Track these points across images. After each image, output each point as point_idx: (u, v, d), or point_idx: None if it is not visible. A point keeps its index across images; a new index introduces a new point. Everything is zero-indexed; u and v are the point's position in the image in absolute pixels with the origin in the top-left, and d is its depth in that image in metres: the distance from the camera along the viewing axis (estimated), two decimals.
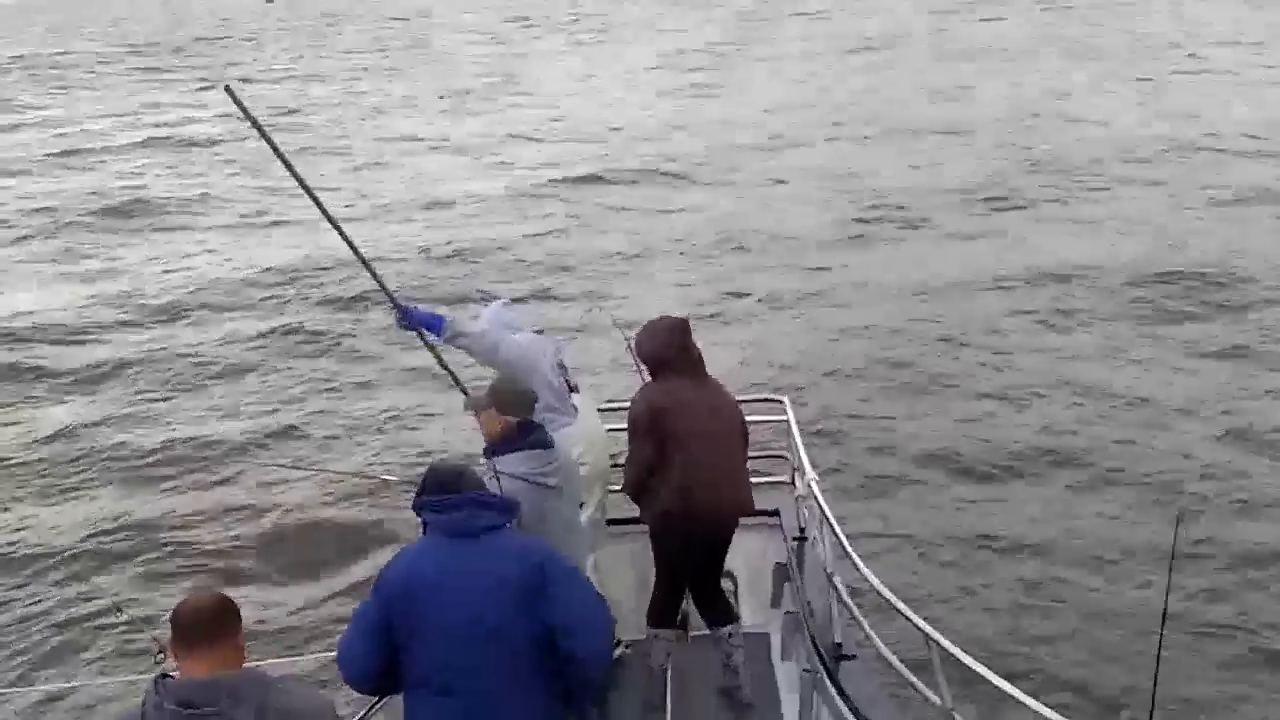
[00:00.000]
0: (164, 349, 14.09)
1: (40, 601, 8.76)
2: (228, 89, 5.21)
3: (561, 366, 5.78)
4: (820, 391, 11.98)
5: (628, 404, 5.52)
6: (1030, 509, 9.64)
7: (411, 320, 5.45)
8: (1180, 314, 13.51)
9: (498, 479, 4.48)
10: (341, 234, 5.28)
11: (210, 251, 18.38)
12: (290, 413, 12.17)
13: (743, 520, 5.98)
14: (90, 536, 9.75)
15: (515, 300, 14.15)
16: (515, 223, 19.31)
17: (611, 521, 6.12)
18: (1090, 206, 18.51)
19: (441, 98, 32.36)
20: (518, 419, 4.74)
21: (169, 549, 9.52)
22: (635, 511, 5.72)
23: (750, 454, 5.75)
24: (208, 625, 3.15)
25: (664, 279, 15.72)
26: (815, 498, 5.54)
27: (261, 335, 14.40)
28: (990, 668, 4.05)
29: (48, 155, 26.48)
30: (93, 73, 39.69)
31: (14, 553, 9.52)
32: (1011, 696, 3.87)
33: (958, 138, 24.04)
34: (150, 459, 11.14)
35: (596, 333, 11.97)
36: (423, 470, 4.02)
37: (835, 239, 17.41)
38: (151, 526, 9.90)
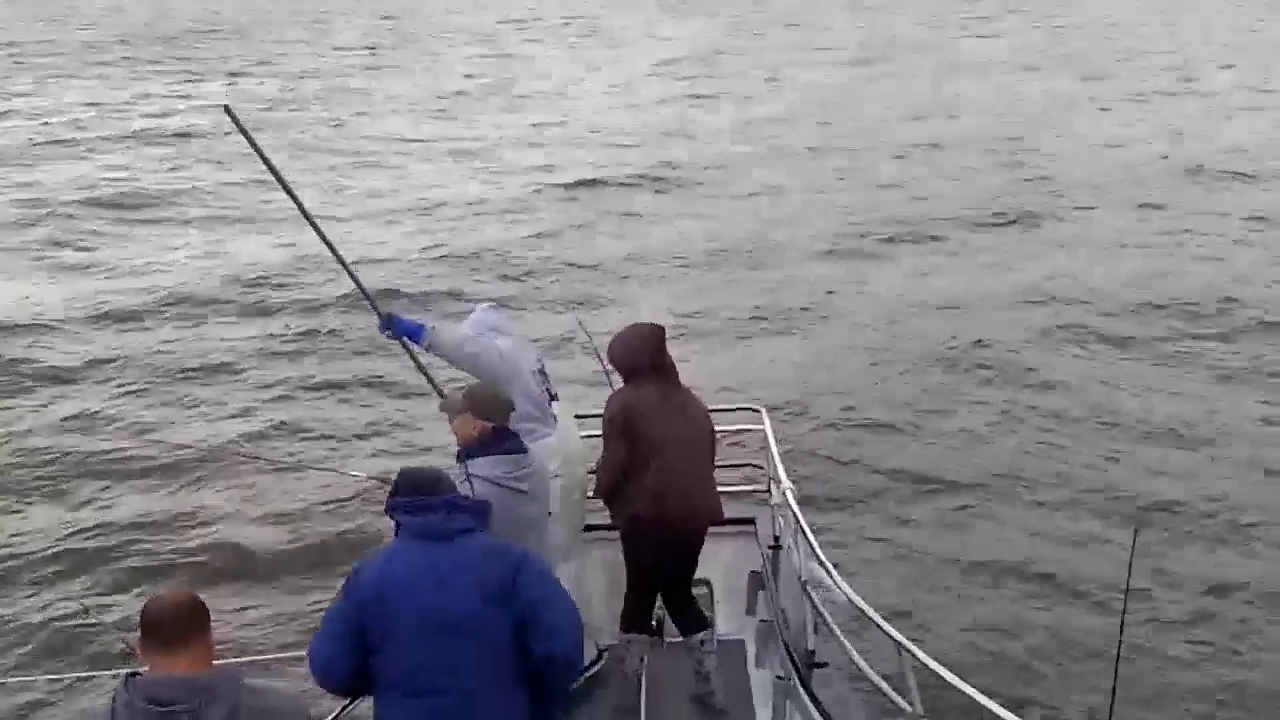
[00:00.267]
0: (143, 346, 13.96)
1: (8, 603, 8.64)
2: (227, 109, 5.31)
3: (542, 374, 5.80)
4: (798, 402, 12.00)
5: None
6: (1000, 522, 9.74)
7: (394, 329, 5.55)
8: (1161, 337, 13.54)
9: (470, 482, 4.49)
10: (332, 250, 5.47)
11: (194, 247, 18.16)
12: (268, 412, 12.11)
13: (719, 528, 6.03)
14: (60, 538, 9.65)
15: (499, 302, 14.16)
16: (502, 228, 19.16)
17: (587, 528, 6.13)
18: (1074, 226, 18.51)
19: (436, 98, 32.12)
20: (493, 424, 4.75)
21: (140, 548, 9.45)
22: (606, 517, 5.75)
23: (727, 463, 5.79)
24: (177, 624, 3.14)
25: (648, 288, 15.69)
26: (790, 507, 5.57)
27: (242, 335, 14.29)
28: (960, 676, 4.08)
29: (32, 145, 26.21)
30: (81, 62, 39.37)
31: None
32: (981, 705, 3.91)
33: (948, 153, 24.00)
34: (122, 458, 11.03)
35: (575, 341, 12.04)
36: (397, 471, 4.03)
37: (821, 252, 17.37)
38: (122, 526, 9.82)
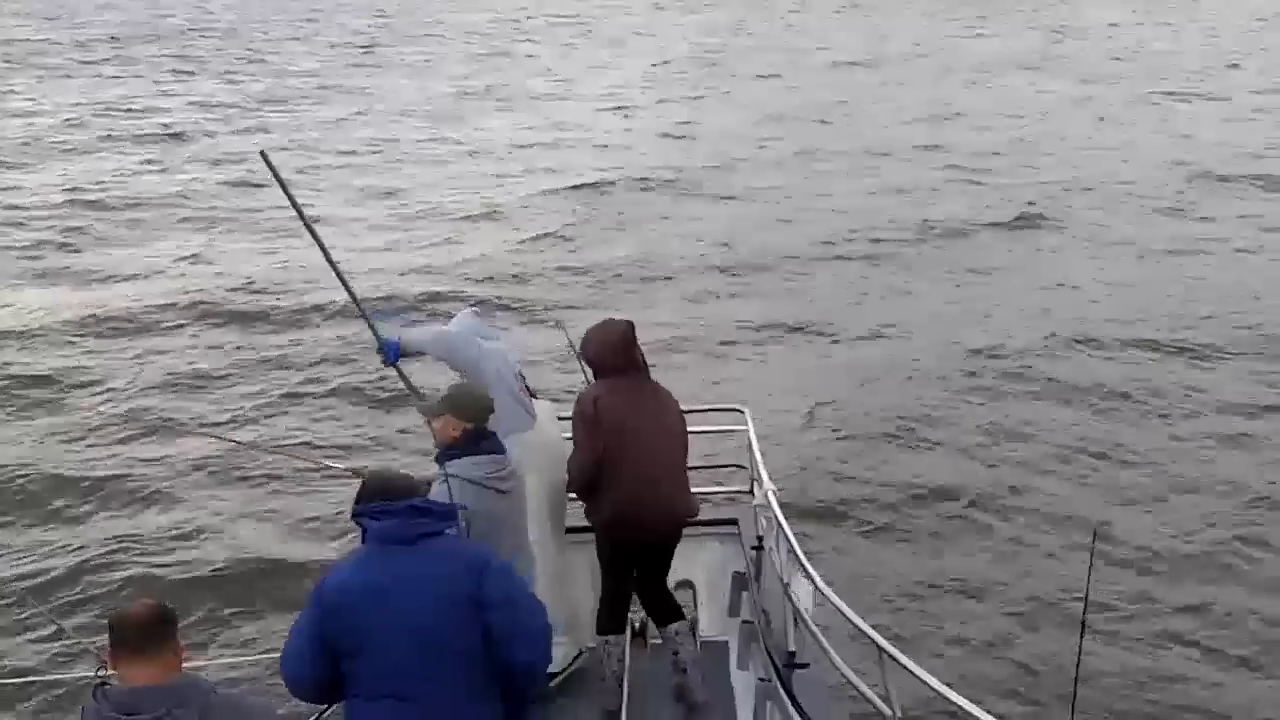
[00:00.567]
0: (134, 348, 13.86)
1: None
2: (263, 155, 5.52)
3: (520, 376, 5.81)
4: (781, 403, 11.97)
5: None
6: (981, 527, 9.77)
7: (388, 355, 5.76)
8: (1158, 351, 13.41)
9: (448, 483, 4.49)
10: (348, 289, 5.74)
11: (186, 251, 17.89)
12: (253, 412, 12.06)
13: (702, 529, 6.04)
14: (34, 544, 9.59)
15: (481, 304, 14.13)
16: (495, 232, 18.89)
17: (569, 529, 6.12)
18: (1081, 233, 18.23)
19: (428, 99, 31.85)
20: (473, 425, 4.74)
21: (115, 554, 9.41)
22: (585, 514, 5.75)
23: (710, 463, 5.78)
24: (145, 632, 3.16)
25: (639, 293, 15.50)
26: (772, 508, 5.57)
27: (232, 339, 14.15)
28: (939, 676, 4.08)
29: (19, 145, 25.96)
30: (70, 60, 39.20)
31: None
32: (959, 706, 3.91)
33: (952, 156, 23.63)
34: (99, 462, 11.00)
35: (560, 346, 11.98)
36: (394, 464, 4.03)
37: (815, 257, 17.18)
38: (96, 530, 9.80)
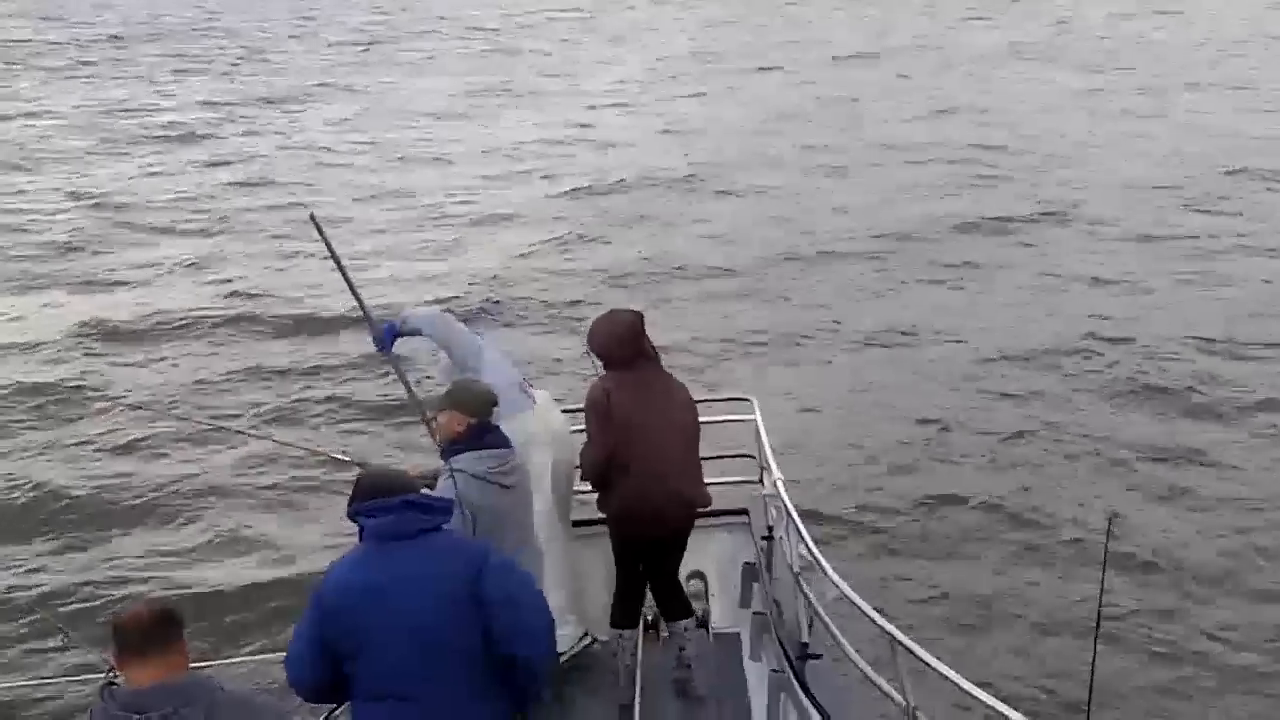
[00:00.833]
0: (134, 357, 13.71)
1: None
2: (312, 217, 5.59)
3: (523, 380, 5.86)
4: (789, 403, 11.88)
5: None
6: (993, 516, 9.71)
7: (384, 345, 5.81)
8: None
9: (453, 479, 4.46)
10: (352, 289, 5.68)
11: (188, 254, 17.67)
12: (256, 415, 12.03)
13: (712, 520, 6.03)
14: (36, 541, 9.63)
15: (496, 303, 13.99)
16: (501, 234, 18.66)
17: (579, 523, 6.11)
18: (1098, 232, 17.88)
19: (431, 99, 31.50)
20: (476, 420, 4.71)
21: (118, 555, 9.44)
22: (597, 504, 5.74)
23: (718, 453, 5.77)
24: (150, 632, 3.16)
25: (646, 292, 15.17)
26: (781, 498, 5.54)
27: (229, 341, 14.07)
28: (953, 668, 4.05)
29: (20, 148, 25.83)
30: (70, 60, 39.13)
31: None
32: (973, 696, 3.88)
33: (964, 151, 23.17)
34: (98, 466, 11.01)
35: (561, 349, 11.94)
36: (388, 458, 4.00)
37: (822, 256, 16.90)
38: (97, 531, 9.81)
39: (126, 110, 30.01)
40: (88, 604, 8.60)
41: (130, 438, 11.31)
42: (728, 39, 42.68)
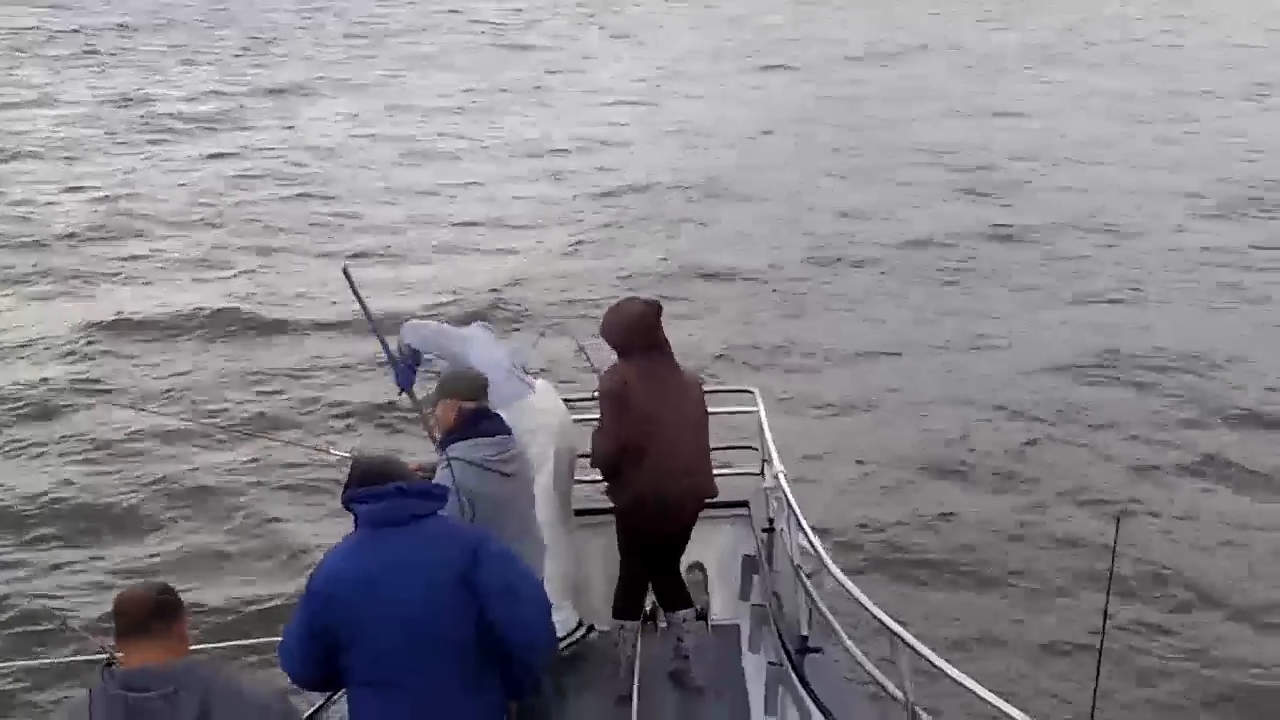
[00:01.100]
0: (135, 358, 13.56)
1: None
2: (345, 271, 5.68)
3: (520, 366, 5.85)
4: (791, 385, 11.90)
5: (590, 396, 5.55)
6: (996, 509, 9.70)
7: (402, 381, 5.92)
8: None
9: (450, 467, 4.45)
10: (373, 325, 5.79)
11: (183, 251, 17.39)
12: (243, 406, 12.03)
13: (713, 511, 6.02)
14: (33, 529, 9.64)
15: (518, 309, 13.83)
16: (509, 236, 18.34)
17: (580, 512, 6.10)
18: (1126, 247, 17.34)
19: (439, 96, 31.16)
20: (473, 405, 4.69)
21: (112, 538, 9.46)
22: (603, 502, 5.74)
23: (720, 445, 5.76)
24: (149, 614, 3.16)
25: (651, 290, 14.86)
26: (783, 490, 5.54)
27: (234, 344, 13.90)
28: (953, 663, 4.04)
29: (21, 140, 25.55)
30: (78, 50, 39.02)
31: None
32: (973, 692, 3.86)
33: (969, 162, 22.54)
34: (100, 442, 11.03)
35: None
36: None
37: (826, 260, 16.73)
38: (95, 516, 9.82)
39: (128, 100, 29.77)
40: (86, 596, 8.58)
41: (127, 435, 11.26)
42: (734, 36, 42.48)
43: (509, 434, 4.73)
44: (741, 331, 14.02)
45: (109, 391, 12.38)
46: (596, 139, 25.55)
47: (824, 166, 22.63)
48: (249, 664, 6.33)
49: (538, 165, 23.40)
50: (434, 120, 27.97)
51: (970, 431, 11.19)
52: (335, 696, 4.39)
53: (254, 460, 10.54)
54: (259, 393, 12.49)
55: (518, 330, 12.86)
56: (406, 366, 5.89)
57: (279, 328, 14.44)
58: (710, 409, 5.75)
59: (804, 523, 5.19)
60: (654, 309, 5.48)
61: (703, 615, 5.97)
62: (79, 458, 10.95)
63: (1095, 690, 3.79)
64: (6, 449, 11.23)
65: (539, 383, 5.85)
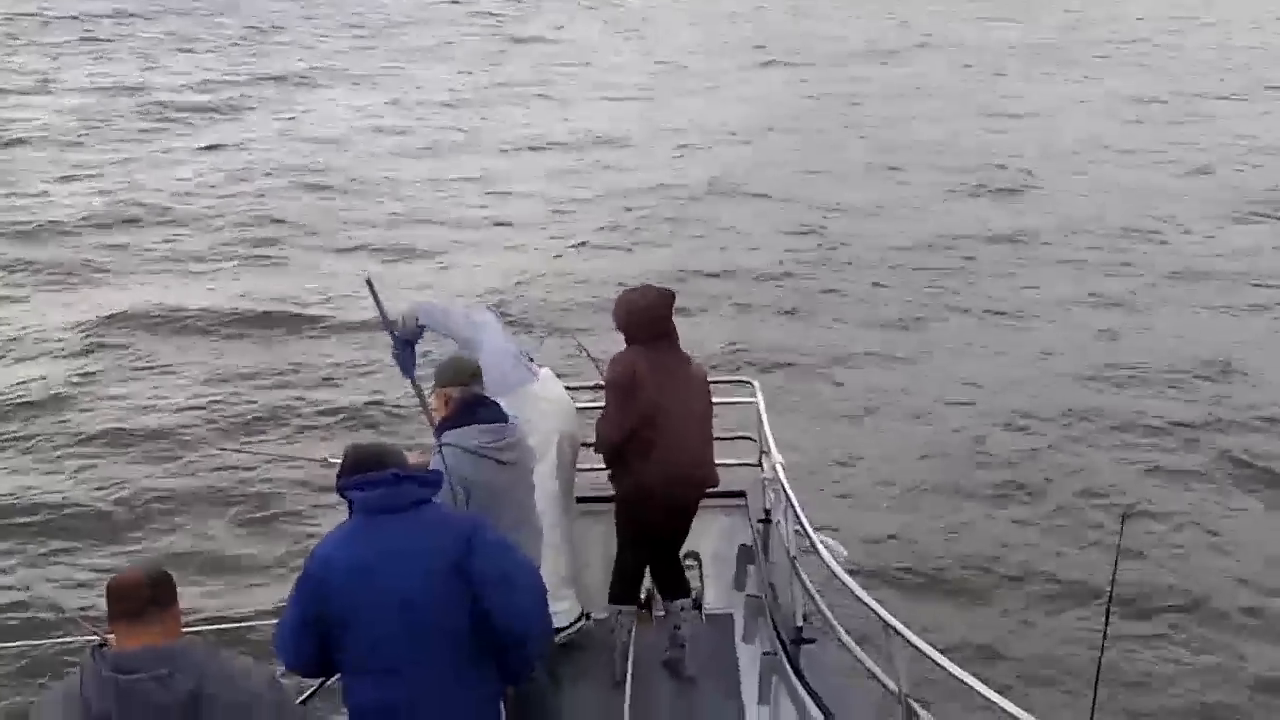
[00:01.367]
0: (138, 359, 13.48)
1: None
2: (369, 283, 5.62)
3: (524, 353, 5.86)
4: (793, 382, 11.87)
5: (591, 385, 5.55)
6: (995, 502, 9.69)
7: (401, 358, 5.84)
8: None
9: (442, 454, 4.44)
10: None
11: (184, 249, 17.17)
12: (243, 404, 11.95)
13: (709, 501, 6.03)
14: (29, 518, 9.62)
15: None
16: (520, 237, 18.06)
17: (579, 499, 6.10)
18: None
19: (443, 89, 30.83)
20: (462, 390, 4.69)
21: (110, 526, 9.45)
22: (603, 490, 5.74)
23: (718, 434, 5.76)
24: (143, 596, 3.13)
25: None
26: (780, 481, 5.53)
27: (238, 348, 13.75)
28: (947, 656, 4.04)
29: (18, 132, 25.27)
30: (74, 38, 38.82)
31: None
32: (967, 685, 3.87)
33: (981, 161, 22.09)
34: (95, 437, 11.01)
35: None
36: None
37: (815, 257, 16.66)
38: (92, 506, 9.81)
39: (125, 89, 29.54)
40: (80, 588, 8.55)
41: (129, 433, 11.24)
42: (737, 31, 42.28)
43: (506, 422, 4.72)
44: (743, 329, 13.96)
45: (109, 387, 12.35)
46: (598, 135, 25.19)
47: (827, 164, 22.34)
48: (242, 650, 6.31)
49: (538, 162, 23.14)
50: (434, 115, 27.64)
51: (972, 432, 11.14)
52: (329, 682, 4.38)
53: (254, 457, 10.47)
54: (259, 390, 12.41)
55: (526, 330, 12.86)
56: (408, 352, 5.85)
57: (281, 324, 14.29)
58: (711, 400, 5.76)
59: (801, 514, 5.19)
60: (667, 297, 5.51)
61: (697, 604, 5.97)
62: (78, 454, 10.92)
63: (1095, 690, 3.77)
64: (5, 444, 11.20)
65: (543, 371, 5.85)
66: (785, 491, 5.43)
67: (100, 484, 10.29)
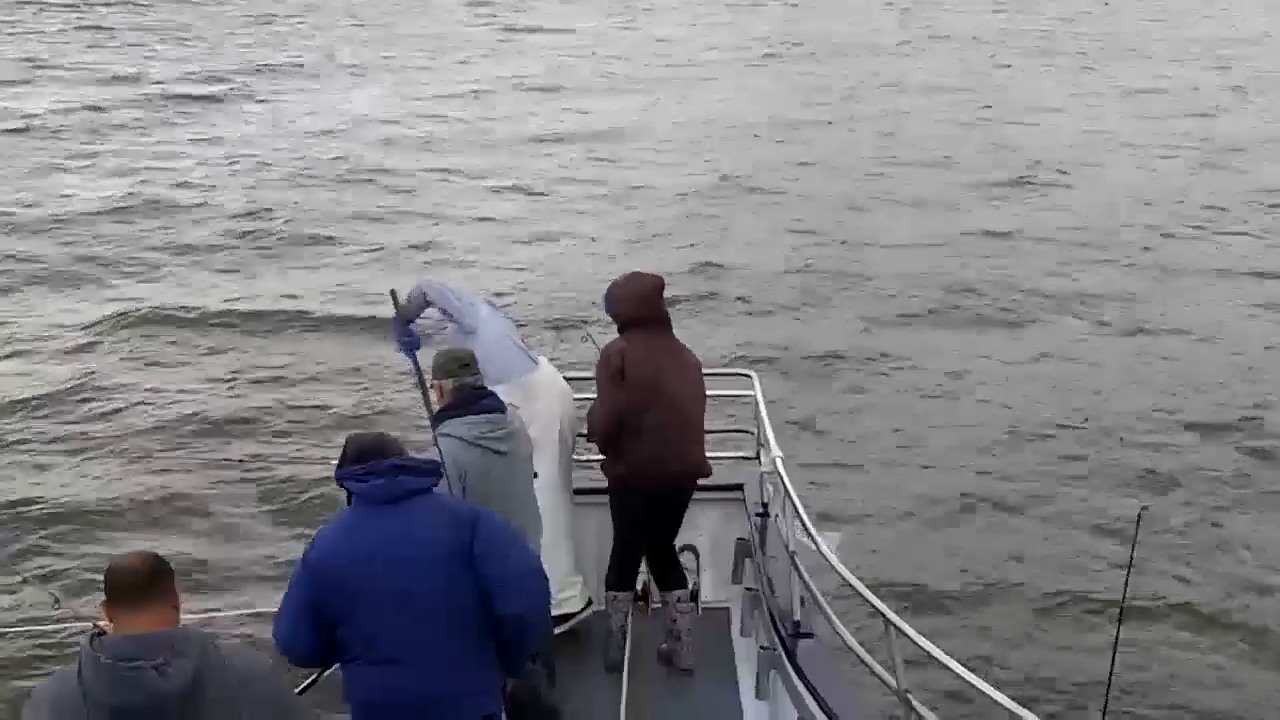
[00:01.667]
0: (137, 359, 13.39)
1: None
2: (392, 293, 5.59)
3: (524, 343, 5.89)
4: (790, 369, 11.83)
5: (590, 376, 5.56)
6: (998, 499, 9.61)
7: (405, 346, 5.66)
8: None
9: (438, 444, 4.43)
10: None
11: (184, 247, 16.91)
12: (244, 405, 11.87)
13: (707, 494, 6.04)
14: (32, 510, 9.59)
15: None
16: (526, 237, 17.80)
17: (577, 491, 6.08)
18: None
19: (448, 81, 30.49)
20: (468, 383, 4.68)
21: (107, 520, 9.43)
22: (600, 482, 5.73)
23: (717, 428, 5.78)
24: (140, 582, 3.10)
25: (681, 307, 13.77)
26: (779, 474, 5.53)
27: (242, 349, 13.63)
28: (946, 652, 4.03)
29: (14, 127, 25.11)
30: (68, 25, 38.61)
31: None
32: (966, 681, 3.86)
33: (987, 169, 21.46)
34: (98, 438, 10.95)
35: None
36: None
37: (823, 257, 16.44)
38: (91, 501, 9.78)
39: (123, 81, 29.48)
40: (80, 583, 8.51)
41: (130, 431, 11.19)
42: (735, 22, 42.11)
43: (504, 411, 4.71)
44: (748, 325, 13.91)
45: (107, 383, 12.27)
46: (602, 129, 25.01)
47: (833, 159, 22.21)
48: (240, 636, 6.31)
49: (541, 156, 22.99)
50: (438, 107, 27.37)
51: (976, 433, 11.03)
52: (326, 673, 4.37)
53: (254, 456, 10.50)
54: (260, 389, 12.31)
55: (530, 322, 12.80)
56: (413, 337, 5.80)
57: (283, 323, 14.13)
58: (709, 392, 5.76)
59: (800, 508, 5.18)
60: (657, 282, 5.55)
61: (694, 597, 5.97)
62: (77, 452, 10.85)
63: (1106, 698, 3.76)
64: (4, 440, 11.15)
65: (542, 360, 5.87)
66: (784, 485, 5.42)
67: (100, 481, 10.27)
